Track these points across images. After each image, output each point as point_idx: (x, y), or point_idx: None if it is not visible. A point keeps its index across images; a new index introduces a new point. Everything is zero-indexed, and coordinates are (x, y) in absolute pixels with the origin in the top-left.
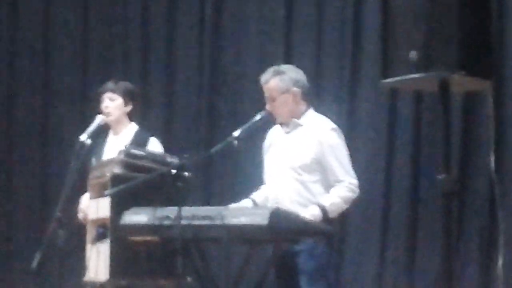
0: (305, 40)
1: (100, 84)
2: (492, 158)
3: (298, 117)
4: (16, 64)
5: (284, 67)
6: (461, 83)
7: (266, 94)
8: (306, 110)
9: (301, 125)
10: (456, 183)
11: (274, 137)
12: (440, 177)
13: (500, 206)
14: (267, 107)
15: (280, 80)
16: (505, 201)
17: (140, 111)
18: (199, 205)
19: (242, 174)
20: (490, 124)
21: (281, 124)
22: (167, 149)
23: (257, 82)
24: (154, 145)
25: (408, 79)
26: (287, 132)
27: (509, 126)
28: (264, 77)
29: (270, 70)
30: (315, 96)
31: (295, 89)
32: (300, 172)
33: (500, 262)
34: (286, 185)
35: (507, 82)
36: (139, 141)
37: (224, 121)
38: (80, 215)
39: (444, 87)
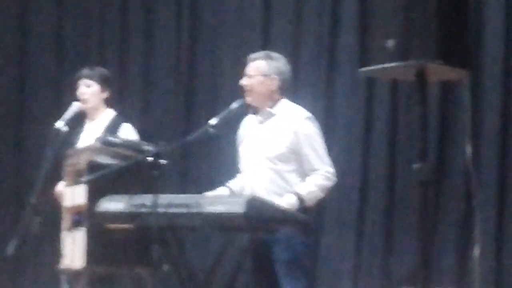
0: (283, 29)
1: (77, 71)
2: (469, 148)
3: (271, 106)
4: None
5: (276, 55)
6: (438, 72)
7: (247, 71)
8: (279, 100)
9: (274, 114)
10: (433, 172)
11: (248, 127)
12: (417, 166)
13: (476, 196)
14: (243, 81)
15: (266, 64)
16: (481, 191)
17: (117, 98)
18: (175, 193)
19: (218, 162)
20: (467, 114)
21: (254, 113)
22: (144, 136)
23: (234, 70)
24: (127, 132)
25: (385, 68)
26: (261, 122)
27: (485, 115)
28: (253, 55)
29: (262, 52)
30: (293, 84)
31: (275, 76)
32: (276, 162)
33: (476, 251)
34: (262, 175)
35: (484, 72)
36: (114, 127)
37: (202, 108)
38: (57, 195)
39: (421, 76)
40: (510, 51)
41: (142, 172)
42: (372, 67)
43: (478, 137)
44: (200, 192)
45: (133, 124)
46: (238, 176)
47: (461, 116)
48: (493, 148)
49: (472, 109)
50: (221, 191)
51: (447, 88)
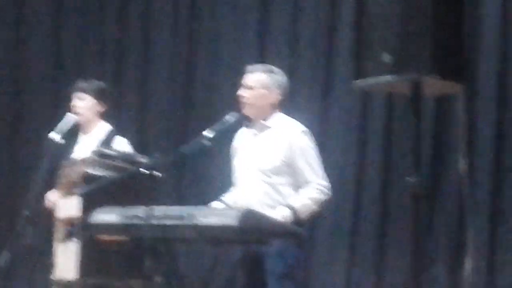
0: (280, 41)
1: (74, 82)
2: (462, 161)
3: (265, 119)
4: None
5: (275, 69)
6: (434, 86)
7: (245, 81)
8: (274, 113)
9: (269, 127)
10: (426, 185)
11: (242, 139)
12: (410, 179)
13: (470, 210)
14: (241, 92)
15: (267, 77)
16: (475, 205)
17: (113, 111)
18: (169, 205)
19: (212, 174)
20: (461, 127)
21: (248, 126)
22: (140, 149)
23: (231, 83)
24: (121, 144)
25: (381, 81)
26: (255, 135)
27: (480, 129)
28: (252, 67)
29: (262, 65)
30: (288, 98)
31: (276, 90)
32: (270, 175)
33: (468, 265)
34: (256, 187)
35: (479, 86)
36: (110, 140)
37: (199, 121)
38: (48, 203)
39: (416, 89)
40: (505, 65)
41: (136, 184)
42: (367, 81)
43: (472, 151)
44: (194, 204)
45: (128, 137)
46: (232, 189)
47: (456, 130)
48: (487, 161)
49: (467, 123)
50: (215, 205)
51: (442, 101)
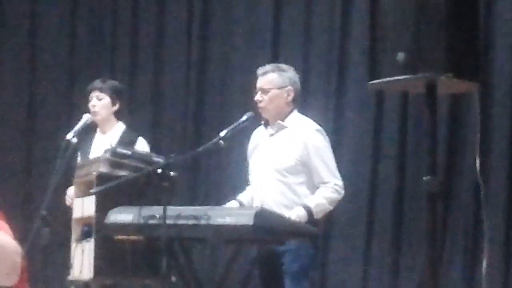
0: (293, 41)
1: (88, 83)
2: (478, 160)
3: (283, 119)
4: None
5: (284, 66)
6: (448, 85)
7: (259, 85)
8: (291, 112)
9: (286, 127)
10: (441, 184)
11: (259, 139)
12: (426, 178)
13: (485, 208)
14: (257, 97)
15: (279, 76)
16: (490, 203)
17: (127, 110)
18: (185, 205)
19: (228, 174)
20: (476, 126)
21: (265, 125)
22: (154, 148)
23: (244, 83)
24: (142, 145)
25: (395, 80)
26: (272, 134)
27: (495, 128)
28: (263, 69)
29: (271, 65)
30: (303, 97)
31: (290, 87)
32: (285, 174)
33: (484, 263)
34: (271, 187)
35: (494, 85)
36: (127, 140)
37: (212, 122)
38: (68, 201)
39: (431, 89)
40: None
41: (152, 184)
42: (381, 80)
43: (487, 150)
44: (209, 204)
45: (144, 137)
46: (248, 188)
47: (471, 129)
48: (502, 160)
49: (482, 122)
50: (231, 204)
51: (457, 100)
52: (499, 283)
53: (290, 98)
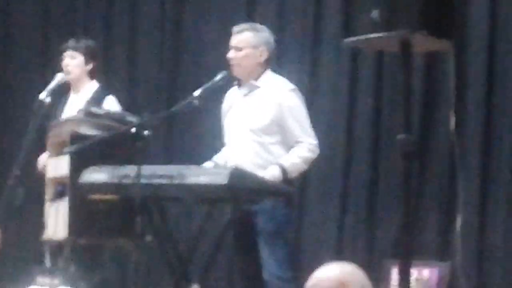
0: (268, 0)
1: (62, 42)
2: (452, 119)
3: (256, 79)
4: None
5: (260, 26)
6: (423, 42)
7: (233, 43)
8: (264, 72)
9: (259, 87)
10: (416, 143)
11: (232, 100)
12: (400, 137)
13: (459, 166)
14: (230, 54)
15: (254, 35)
16: (464, 162)
17: (102, 70)
18: (159, 165)
19: (202, 134)
20: (451, 85)
21: (238, 86)
22: (128, 108)
23: (219, 41)
24: (111, 104)
25: (370, 38)
26: (245, 95)
27: (469, 86)
28: (238, 27)
29: (247, 24)
30: (278, 55)
31: (264, 48)
32: (260, 134)
33: (458, 221)
34: (246, 147)
35: (469, 42)
36: (97, 99)
37: (187, 81)
38: (40, 165)
39: (406, 46)
40: (494, 23)
41: (126, 143)
42: (356, 38)
43: (461, 108)
44: (184, 164)
45: (118, 96)
46: (223, 149)
47: (445, 87)
48: (477, 119)
49: (456, 80)
50: (206, 165)
51: (432, 59)
52: (473, 240)
53: (263, 58)
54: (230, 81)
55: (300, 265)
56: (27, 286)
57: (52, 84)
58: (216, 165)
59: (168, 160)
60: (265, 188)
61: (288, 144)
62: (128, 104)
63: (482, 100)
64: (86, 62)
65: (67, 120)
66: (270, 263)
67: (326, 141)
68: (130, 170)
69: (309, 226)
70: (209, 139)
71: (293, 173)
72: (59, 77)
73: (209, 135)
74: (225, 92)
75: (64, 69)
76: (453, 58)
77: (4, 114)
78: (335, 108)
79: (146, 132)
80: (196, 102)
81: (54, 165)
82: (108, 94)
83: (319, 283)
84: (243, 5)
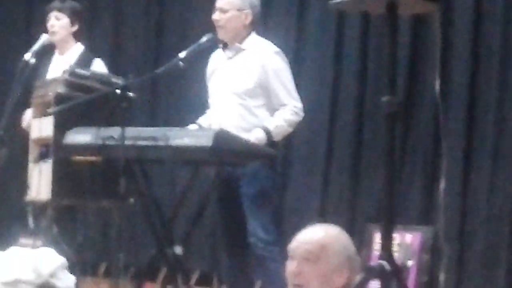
0: None
1: (47, 3)
2: (438, 81)
3: (241, 41)
4: None
5: None
6: (409, 5)
7: (219, 5)
8: (249, 35)
9: (244, 49)
10: (401, 105)
11: (217, 62)
12: (385, 98)
13: (444, 128)
14: (215, 16)
15: None
16: (448, 125)
17: (87, 32)
18: (144, 127)
19: (187, 96)
20: (437, 47)
21: (223, 48)
22: (113, 69)
23: (205, 3)
24: (99, 66)
25: (356, 0)
26: (230, 58)
27: (455, 48)
28: None
29: None
30: (264, 18)
31: (249, 11)
32: (244, 97)
33: (442, 183)
34: (230, 110)
35: (454, 5)
36: (84, 61)
37: (172, 43)
38: (24, 124)
39: (392, 8)
40: None
41: (110, 105)
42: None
43: (447, 70)
44: (168, 126)
45: (102, 58)
46: (207, 112)
47: (431, 51)
48: (462, 80)
49: (442, 43)
50: (190, 128)
51: (418, 22)
52: (457, 202)
53: (248, 21)
54: (215, 43)
55: (284, 230)
56: (10, 246)
57: (37, 45)
58: (201, 128)
59: (153, 122)
60: (250, 151)
61: (272, 107)
62: (112, 66)
63: (467, 63)
64: (72, 24)
65: (52, 81)
66: (254, 225)
67: (311, 103)
68: (114, 131)
69: (293, 189)
70: (193, 101)
71: (278, 136)
72: (44, 38)
73: (194, 97)
74: (210, 54)
75: (49, 29)
76: (439, 20)
77: None
78: (320, 71)
79: (130, 94)
80: (181, 64)
81: (38, 126)
82: (95, 57)
83: (300, 245)
84: None
